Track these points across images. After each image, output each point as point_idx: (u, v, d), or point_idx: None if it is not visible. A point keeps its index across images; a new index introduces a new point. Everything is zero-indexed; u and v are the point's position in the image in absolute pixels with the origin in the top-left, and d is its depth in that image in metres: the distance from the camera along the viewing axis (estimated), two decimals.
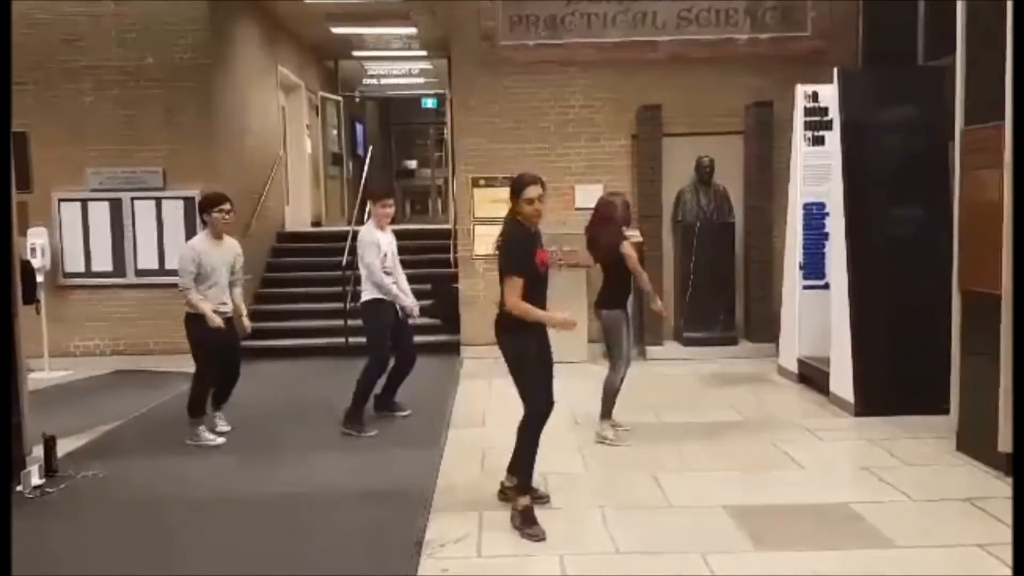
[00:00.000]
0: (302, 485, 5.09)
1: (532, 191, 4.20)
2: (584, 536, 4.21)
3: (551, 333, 4.48)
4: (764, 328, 8.82)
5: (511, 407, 6.52)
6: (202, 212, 5.98)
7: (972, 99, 5.38)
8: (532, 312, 4.21)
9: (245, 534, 4.37)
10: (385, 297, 6.22)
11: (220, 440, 5.96)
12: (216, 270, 5.90)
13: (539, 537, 4.10)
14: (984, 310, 5.12)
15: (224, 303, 5.99)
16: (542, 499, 4.52)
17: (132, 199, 9.13)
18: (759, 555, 3.92)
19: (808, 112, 7.63)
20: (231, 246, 6.10)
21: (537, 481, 4.62)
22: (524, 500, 4.29)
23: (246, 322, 6.25)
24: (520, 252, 4.23)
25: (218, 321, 5.80)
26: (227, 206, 5.95)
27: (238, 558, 4.06)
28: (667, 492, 4.77)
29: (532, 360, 4.34)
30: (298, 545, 4.17)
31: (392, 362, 6.42)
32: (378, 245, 6.19)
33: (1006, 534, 4.07)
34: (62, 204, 9.09)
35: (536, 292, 4.29)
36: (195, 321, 5.82)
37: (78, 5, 8.97)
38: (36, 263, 8.45)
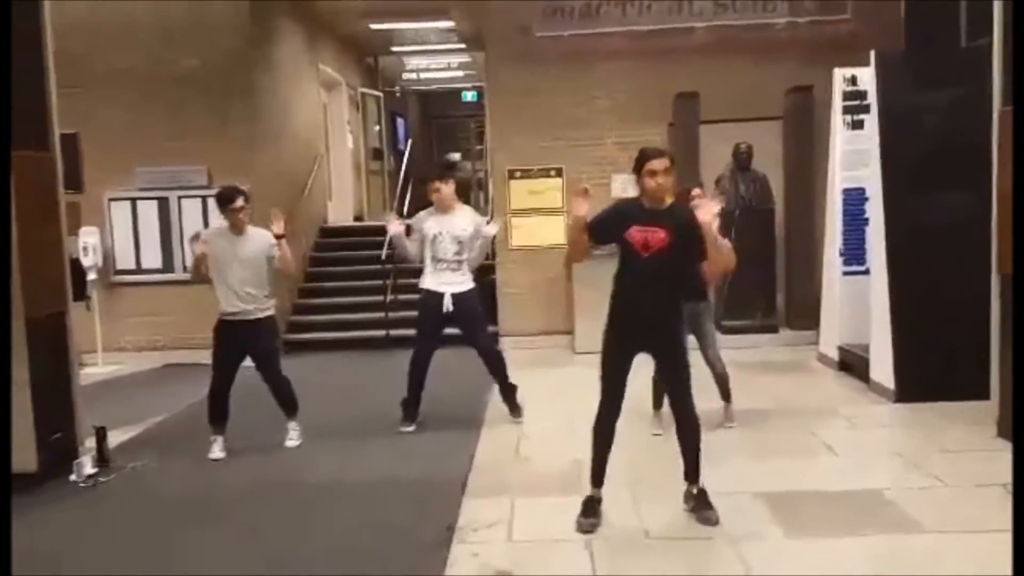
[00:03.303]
0: (340, 472, 5.24)
1: (655, 164, 3.96)
2: (613, 521, 4.24)
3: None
4: (805, 315, 8.72)
5: (546, 396, 6.63)
6: (220, 209, 5.63)
7: (1010, 81, 5.27)
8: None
9: (284, 520, 4.51)
10: (431, 287, 6.02)
11: (218, 454, 5.64)
12: (227, 266, 5.51)
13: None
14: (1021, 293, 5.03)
15: (236, 307, 5.54)
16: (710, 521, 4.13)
17: (179, 197, 9.39)
18: (788, 541, 3.93)
19: (847, 96, 7.52)
20: (255, 239, 5.61)
21: (569, 467, 4.67)
22: (589, 492, 4.25)
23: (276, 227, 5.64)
24: (609, 210, 4.16)
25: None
26: (239, 202, 5.50)
27: (278, 541, 4.21)
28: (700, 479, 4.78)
29: (611, 353, 4.14)
30: (334, 529, 4.31)
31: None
32: (421, 231, 6.02)
33: None
34: (112, 204, 9.39)
35: (630, 274, 4.03)
36: (216, 324, 5.65)
37: (122, 8, 9.21)
38: (88, 262, 8.76)
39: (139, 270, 9.46)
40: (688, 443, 4.22)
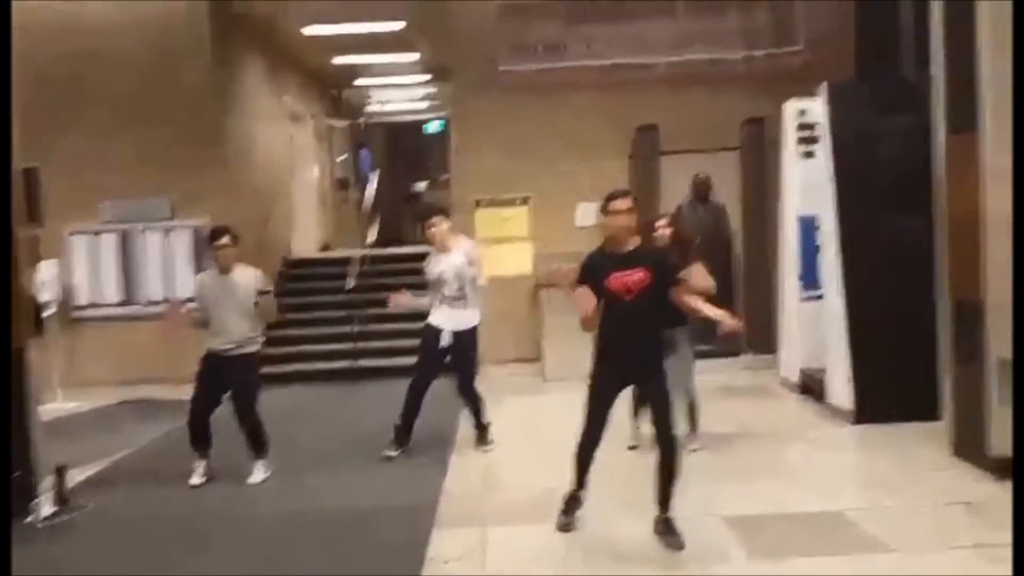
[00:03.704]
0: (308, 504, 5.22)
1: (619, 204, 4.21)
2: (585, 550, 4.30)
3: None
4: (764, 340, 8.89)
5: (515, 425, 6.67)
6: (208, 247, 5.86)
7: (952, 109, 5.50)
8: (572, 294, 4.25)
9: (251, 556, 4.49)
10: (431, 322, 6.23)
11: (197, 480, 5.73)
12: (216, 304, 5.67)
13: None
14: (971, 317, 5.20)
15: (226, 342, 5.66)
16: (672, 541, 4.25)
17: (142, 230, 9.33)
18: (752, 563, 4.02)
19: (799, 128, 7.75)
20: (241, 278, 5.73)
21: (540, 495, 4.72)
22: (569, 491, 4.47)
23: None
24: (585, 266, 4.32)
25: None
26: (224, 240, 5.67)
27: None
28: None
29: (599, 385, 4.34)
30: (302, 562, 4.29)
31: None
32: (427, 272, 6.29)
33: (1000, 536, 4.13)
34: (73, 237, 9.29)
35: (613, 317, 4.20)
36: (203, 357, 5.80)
37: (84, 40, 9.18)
38: (46, 296, 8.64)
39: (100, 304, 9.36)
40: (665, 471, 4.31)
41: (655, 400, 4.40)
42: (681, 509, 4.69)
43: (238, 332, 5.69)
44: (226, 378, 5.71)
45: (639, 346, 4.27)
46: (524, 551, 4.29)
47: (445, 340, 6.17)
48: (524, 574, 4.08)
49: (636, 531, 4.43)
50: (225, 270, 5.72)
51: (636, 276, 4.16)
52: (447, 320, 6.20)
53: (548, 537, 4.33)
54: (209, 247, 5.79)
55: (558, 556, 4.23)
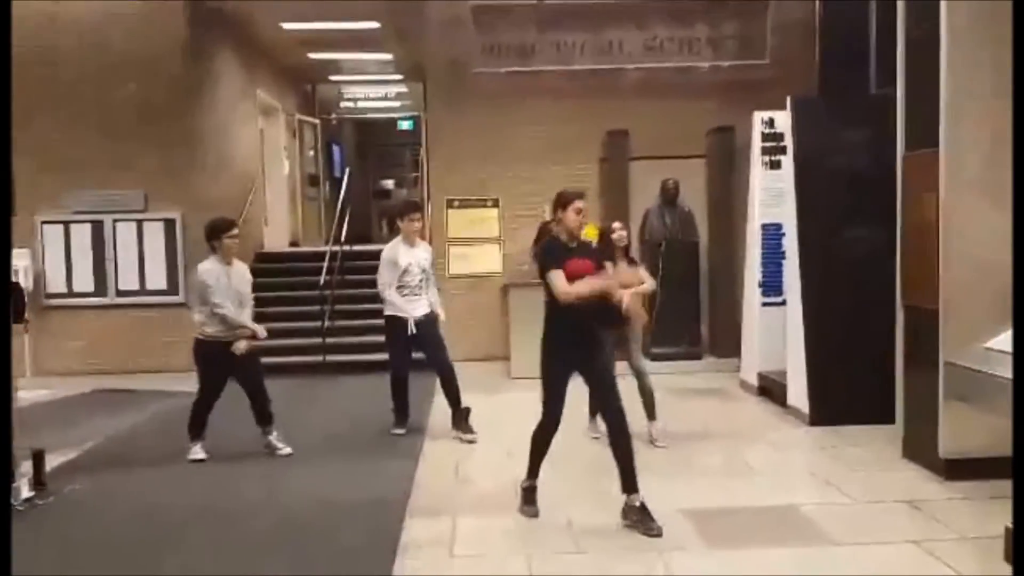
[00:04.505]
0: (283, 494, 5.33)
1: (580, 204, 4.65)
2: (549, 537, 4.49)
3: None
4: (728, 344, 9.15)
5: (485, 420, 6.83)
6: (211, 239, 6.05)
7: (912, 126, 5.77)
8: (581, 289, 4.47)
9: (226, 544, 4.59)
10: (398, 313, 6.49)
11: (200, 456, 6.07)
12: (223, 293, 5.95)
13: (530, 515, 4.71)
14: (924, 324, 5.47)
15: (229, 330, 5.98)
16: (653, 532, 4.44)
17: (114, 221, 9.36)
18: (711, 552, 4.23)
19: (765, 138, 8.00)
20: (240, 270, 6.19)
21: (509, 487, 4.92)
22: (525, 483, 4.77)
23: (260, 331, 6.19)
24: (552, 252, 4.64)
25: (258, 331, 6.06)
26: (236, 231, 6.13)
27: (218, 564, 4.29)
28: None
29: (553, 373, 4.62)
30: (279, 550, 4.41)
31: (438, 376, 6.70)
32: (395, 262, 6.51)
33: (941, 532, 4.44)
34: (45, 226, 9.29)
35: (566, 305, 4.49)
36: (198, 345, 6.02)
37: (58, 32, 9.19)
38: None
39: (71, 293, 9.36)
40: (622, 449, 4.55)
41: (600, 377, 4.71)
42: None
43: (243, 318, 6.06)
44: (235, 362, 6.00)
45: (585, 327, 4.58)
46: (493, 538, 4.49)
47: (411, 328, 6.49)
48: (492, 555, 4.27)
49: (598, 519, 4.64)
50: (229, 261, 6.08)
51: (586, 264, 4.61)
52: (412, 309, 6.51)
53: (514, 525, 4.54)
54: (218, 239, 6.03)
55: (521, 541, 4.44)
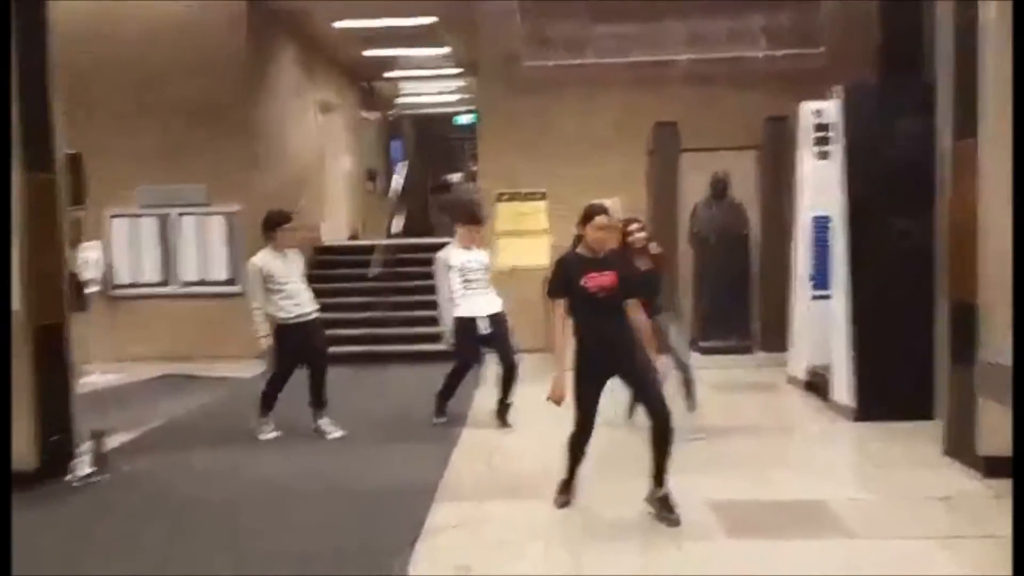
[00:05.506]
0: (322, 478, 5.55)
1: (602, 220, 4.72)
2: (571, 523, 4.58)
3: None
4: (779, 338, 9.01)
5: (526, 413, 6.94)
6: (268, 230, 6.38)
7: (958, 115, 5.63)
8: (556, 351, 4.68)
9: (266, 520, 4.84)
10: (470, 314, 6.57)
11: (272, 435, 6.45)
12: (289, 279, 6.32)
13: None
14: (967, 319, 5.34)
15: (303, 310, 6.36)
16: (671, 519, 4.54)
17: (179, 215, 9.76)
18: (729, 542, 4.26)
19: (814, 128, 7.88)
20: (296, 256, 6.52)
21: (539, 474, 5.02)
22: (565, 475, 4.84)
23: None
24: (554, 277, 4.76)
25: (261, 333, 6.25)
26: (291, 224, 6.48)
27: (256, 542, 4.52)
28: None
29: (582, 391, 4.63)
30: (313, 531, 4.61)
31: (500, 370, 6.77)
32: (447, 264, 6.65)
33: (967, 529, 4.36)
34: (113, 220, 9.75)
35: (591, 314, 4.61)
36: (278, 329, 6.29)
37: (125, 33, 9.60)
38: (88, 275, 9.10)
39: (138, 284, 9.81)
40: (660, 442, 4.57)
41: (641, 379, 4.70)
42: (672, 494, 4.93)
43: (309, 299, 6.45)
44: (308, 341, 6.38)
45: (613, 336, 4.63)
46: (517, 524, 4.60)
47: (484, 328, 6.59)
48: (514, 540, 4.38)
49: (621, 510, 4.70)
50: (283, 252, 6.39)
51: (608, 277, 4.64)
52: (483, 307, 6.62)
53: (539, 512, 4.64)
54: (273, 231, 6.36)
55: (543, 528, 4.54)
